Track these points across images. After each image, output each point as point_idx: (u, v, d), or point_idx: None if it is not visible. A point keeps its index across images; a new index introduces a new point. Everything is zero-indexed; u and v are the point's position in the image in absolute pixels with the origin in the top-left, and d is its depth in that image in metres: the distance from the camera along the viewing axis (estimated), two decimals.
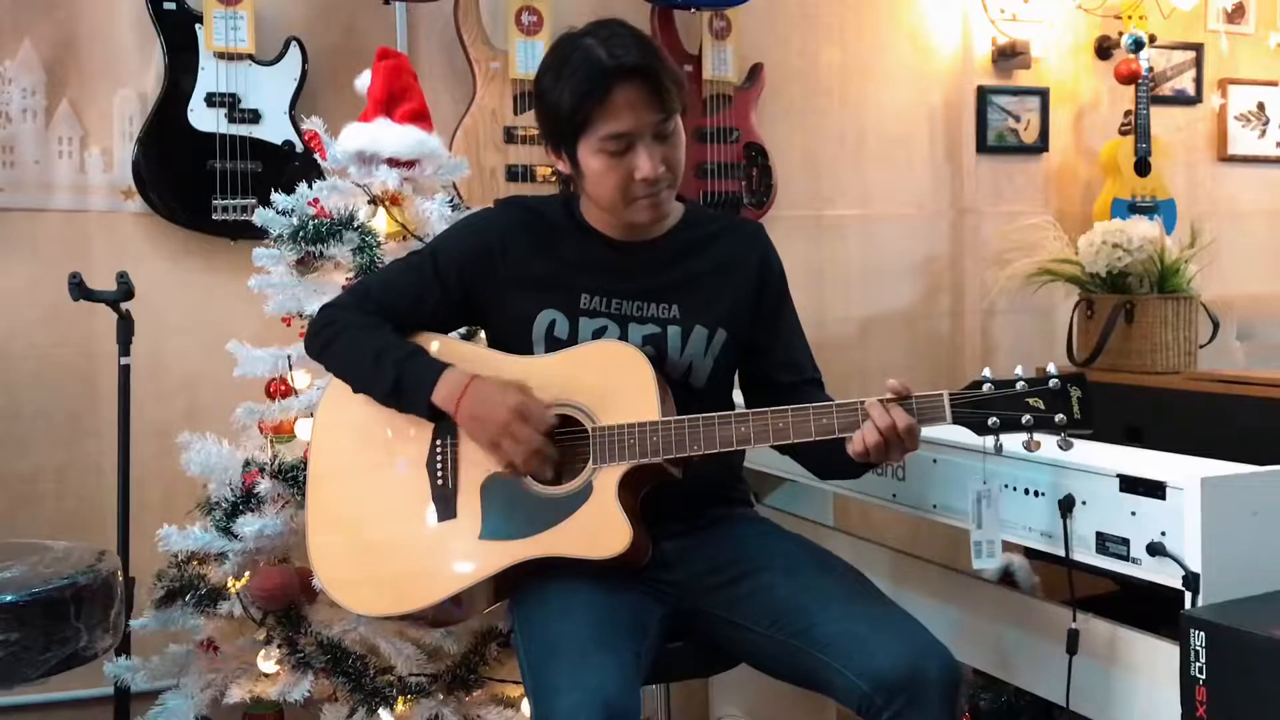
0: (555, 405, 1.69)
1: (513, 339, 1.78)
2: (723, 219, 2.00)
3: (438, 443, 1.74)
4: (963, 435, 1.63)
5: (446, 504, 1.72)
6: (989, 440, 1.60)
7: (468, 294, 1.81)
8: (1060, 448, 1.58)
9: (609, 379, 1.70)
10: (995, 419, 1.58)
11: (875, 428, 1.58)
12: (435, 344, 1.80)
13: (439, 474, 1.73)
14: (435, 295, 1.80)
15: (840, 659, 1.55)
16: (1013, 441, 1.60)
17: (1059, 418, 1.56)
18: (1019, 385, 1.59)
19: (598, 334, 1.76)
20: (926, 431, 1.63)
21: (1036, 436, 1.58)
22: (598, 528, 1.65)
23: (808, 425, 1.63)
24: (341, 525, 1.78)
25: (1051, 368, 1.61)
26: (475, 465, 1.72)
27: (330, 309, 1.84)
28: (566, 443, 1.71)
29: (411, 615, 1.79)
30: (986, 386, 1.59)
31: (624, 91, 1.64)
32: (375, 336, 1.76)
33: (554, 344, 1.76)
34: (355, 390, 1.78)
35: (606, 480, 1.66)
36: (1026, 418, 1.57)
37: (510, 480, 1.69)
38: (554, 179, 2.85)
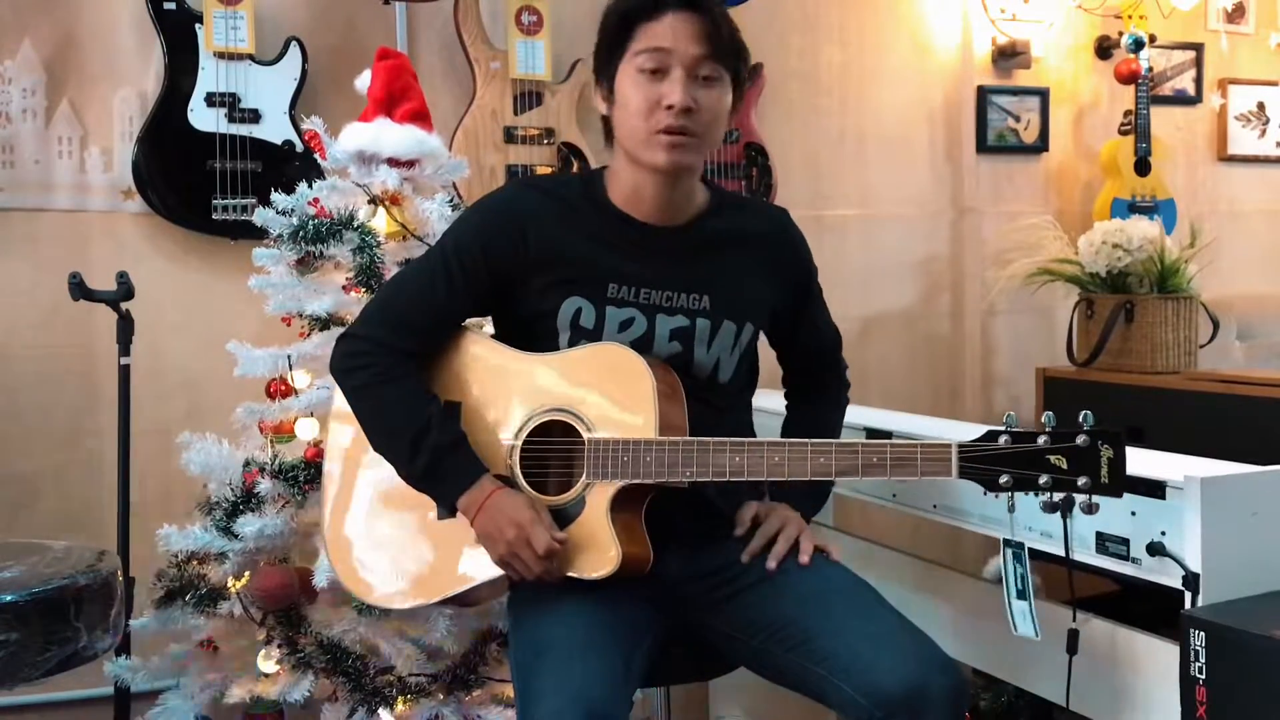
0: (552, 411, 1.68)
1: (536, 326, 1.72)
2: (748, 202, 1.99)
3: None
4: (967, 432, 1.59)
5: None
6: (1002, 497, 1.48)
7: (494, 286, 1.74)
8: (1084, 511, 1.43)
9: (609, 386, 1.65)
10: (1007, 477, 1.45)
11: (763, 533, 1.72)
12: (466, 350, 1.77)
13: None
14: (460, 301, 1.73)
15: (840, 675, 1.53)
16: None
17: (1083, 481, 1.41)
18: (1040, 440, 1.44)
19: (624, 325, 1.70)
20: (932, 433, 1.61)
21: (1057, 497, 1.43)
22: (587, 546, 1.61)
23: (804, 464, 1.58)
24: (357, 515, 1.77)
25: (1084, 416, 1.43)
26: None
27: (361, 342, 1.71)
28: (563, 450, 1.68)
29: (421, 608, 1.78)
30: (1003, 439, 1.46)
31: (675, 17, 1.66)
32: (416, 405, 1.67)
33: (579, 333, 1.70)
34: (375, 449, 1.71)
35: (599, 497, 1.62)
36: (1045, 478, 1.43)
37: (512, 483, 1.68)
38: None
